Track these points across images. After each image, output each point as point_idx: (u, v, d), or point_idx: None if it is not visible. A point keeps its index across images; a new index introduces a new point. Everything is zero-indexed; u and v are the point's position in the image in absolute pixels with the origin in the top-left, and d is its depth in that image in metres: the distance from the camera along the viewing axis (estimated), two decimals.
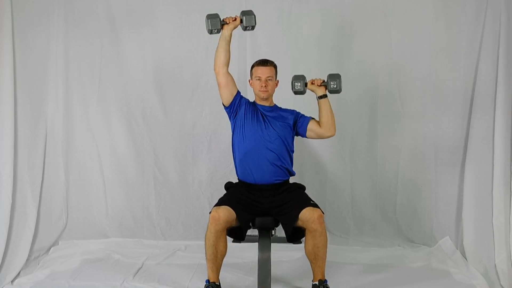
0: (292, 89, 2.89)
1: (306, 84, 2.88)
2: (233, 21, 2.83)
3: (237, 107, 2.86)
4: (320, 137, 2.87)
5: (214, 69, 2.83)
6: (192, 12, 3.60)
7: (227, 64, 2.81)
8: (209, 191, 3.69)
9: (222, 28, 2.81)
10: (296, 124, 2.87)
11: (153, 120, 3.68)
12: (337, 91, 2.84)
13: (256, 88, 2.87)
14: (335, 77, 2.82)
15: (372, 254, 3.39)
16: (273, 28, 3.55)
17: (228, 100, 2.86)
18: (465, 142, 3.41)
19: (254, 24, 2.84)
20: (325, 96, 2.82)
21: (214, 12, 2.81)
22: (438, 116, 3.51)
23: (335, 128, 2.82)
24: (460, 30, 3.41)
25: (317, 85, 2.85)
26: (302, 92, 2.91)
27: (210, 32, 2.82)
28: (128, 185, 3.71)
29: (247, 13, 2.83)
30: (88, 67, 3.62)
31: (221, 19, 2.81)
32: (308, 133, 2.87)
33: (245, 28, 2.87)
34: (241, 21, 2.83)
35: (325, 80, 2.84)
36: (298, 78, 2.88)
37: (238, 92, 2.88)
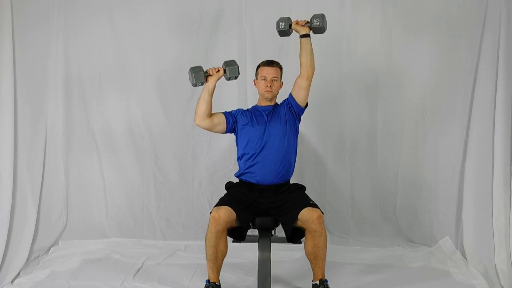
0: (277, 28, 2.92)
1: (290, 25, 2.89)
2: (216, 72, 2.84)
3: (235, 124, 2.88)
4: (303, 83, 2.80)
5: (195, 121, 2.84)
6: (192, 12, 3.60)
7: (209, 115, 2.82)
8: (209, 191, 3.69)
9: (206, 80, 2.82)
10: (290, 106, 2.86)
11: (153, 120, 3.68)
12: (320, 29, 2.84)
13: (261, 88, 2.87)
14: (318, 15, 2.83)
15: (372, 254, 3.39)
16: (273, 28, 3.53)
17: (224, 130, 2.88)
18: (465, 142, 3.41)
19: (237, 75, 2.85)
20: (307, 35, 2.83)
21: (197, 65, 2.82)
22: (438, 116, 3.51)
23: (313, 69, 2.81)
24: (460, 30, 3.41)
25: (301, 25, 2.86)
26: (286, 32, 2.93)
27: (195, 85, 2.83)
28: (128, 185, 3.71)
29: (230, 64, 2.83)
30: (88, 67, 3.62)
31: (205, 71, 2.81)
32: (295, 93, 2.84)
33: (228, 79, 2.87)
34: (225, 71, 2.84)
35: (309, 20, 2.85)
36: (283, 19, 2.90)
37: (226, 115, 2.88)
